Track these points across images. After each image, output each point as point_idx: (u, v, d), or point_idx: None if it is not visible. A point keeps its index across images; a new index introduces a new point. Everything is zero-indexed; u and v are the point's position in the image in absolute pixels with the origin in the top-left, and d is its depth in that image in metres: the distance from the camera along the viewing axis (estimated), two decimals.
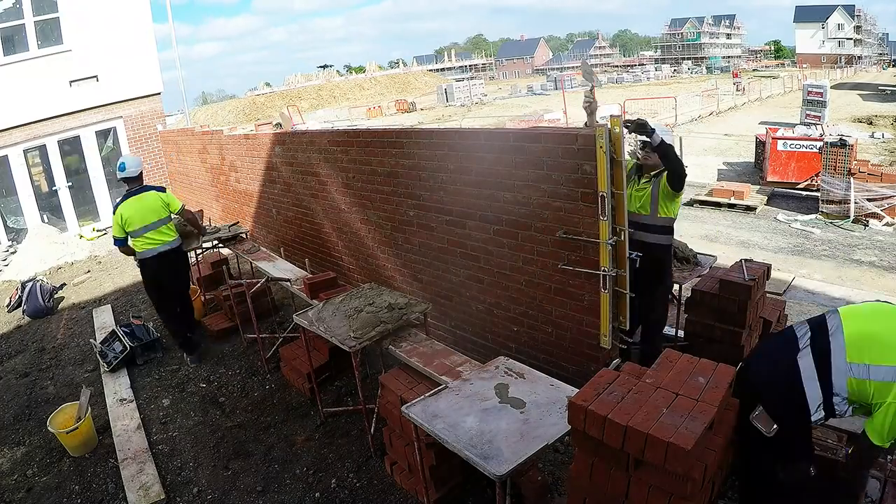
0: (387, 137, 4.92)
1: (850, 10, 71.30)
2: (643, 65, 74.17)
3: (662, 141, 3.35)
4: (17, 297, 7.23)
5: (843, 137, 9.45)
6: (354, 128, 5.65)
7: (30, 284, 7.15)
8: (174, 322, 5.34)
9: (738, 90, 30.60)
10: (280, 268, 5.31)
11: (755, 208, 9.85)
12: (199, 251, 6.50)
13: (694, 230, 8.87)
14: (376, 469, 3.55)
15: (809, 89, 19.28)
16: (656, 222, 3.62)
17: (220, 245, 6.41)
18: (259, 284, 5.11)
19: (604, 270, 3.41)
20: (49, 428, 3.97)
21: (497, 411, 2.58)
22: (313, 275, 4.90)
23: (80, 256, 9.45)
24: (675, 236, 3.86)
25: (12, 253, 9.63)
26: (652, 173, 3.62)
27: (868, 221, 8.67)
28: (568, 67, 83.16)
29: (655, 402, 2.16)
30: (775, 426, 2.28)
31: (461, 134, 4.28)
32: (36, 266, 8.91)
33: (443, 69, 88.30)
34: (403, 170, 4.76)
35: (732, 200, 10.12)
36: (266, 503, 3.39)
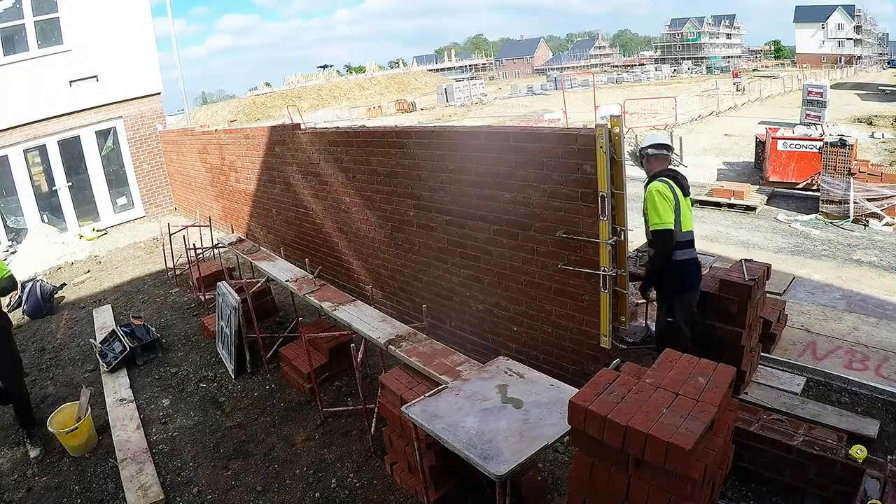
0: (387, 137, 4.92)
1: (850, 10, 71.26)
2: (643, 65, 74.06)
3: None
4: (16, 297, 7.22)
5: (843, 137, 9.42)
6: (354, 127, 5.65)
7: (30, 284, 7.14)
8: None
9: (737, 90, 30.57)
10: (280, 268, 5.31)
11: (755, 208, 9.83)
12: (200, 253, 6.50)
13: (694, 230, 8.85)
14: (376, 469, 3.55)
15: (809, 89, 19.24)
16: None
17: (222, 246, 6.42)
18: (259, 284, 5.12)
19: (604, 270, 3.41)
20: (49, 428, 3.97)
21: (497, 411, 2.58)
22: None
23: (80, 256, 9.44)
24: None
25: (12, 253, 9.63)
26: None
27: (868, 221, 8.65)
28: (568, 67, 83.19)
29: (655, 402, 2.16)
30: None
31: (461, 134, 4.28)
32: (36, 266, 8.90)
33: (443, 69, 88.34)
34: (403, 170, 4.76)
35: (732, 200, 10.10)
36: (266, 503, 3.39)
